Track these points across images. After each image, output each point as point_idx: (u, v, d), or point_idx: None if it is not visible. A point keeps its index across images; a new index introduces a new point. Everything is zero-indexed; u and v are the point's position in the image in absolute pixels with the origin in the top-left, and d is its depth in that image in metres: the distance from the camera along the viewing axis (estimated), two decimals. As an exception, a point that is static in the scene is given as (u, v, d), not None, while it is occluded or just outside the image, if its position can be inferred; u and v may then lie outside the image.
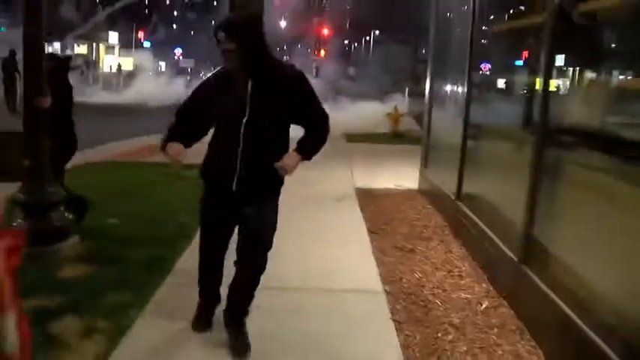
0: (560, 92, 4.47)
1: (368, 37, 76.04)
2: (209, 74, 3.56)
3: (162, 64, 68.79)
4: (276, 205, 3.50)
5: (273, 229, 3.51)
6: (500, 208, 5.22)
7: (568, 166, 4.14)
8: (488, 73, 6.92)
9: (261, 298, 3.73)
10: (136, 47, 73.53)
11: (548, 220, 4.14)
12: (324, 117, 3.39)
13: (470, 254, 5.57)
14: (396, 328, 3.96)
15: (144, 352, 3.50)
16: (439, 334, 3.93)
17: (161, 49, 73.91)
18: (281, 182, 3.45)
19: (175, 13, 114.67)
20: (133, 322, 3.82)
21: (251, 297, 3.59)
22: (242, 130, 3.20)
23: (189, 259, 4.83)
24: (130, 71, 53.30)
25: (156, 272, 4.66)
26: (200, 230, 3.63)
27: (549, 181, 4.17)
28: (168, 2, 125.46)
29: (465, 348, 3.77)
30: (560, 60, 4.34)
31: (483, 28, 6.49)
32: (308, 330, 3.83)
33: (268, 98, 3.18)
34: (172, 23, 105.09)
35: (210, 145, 3.47)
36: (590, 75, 4.76)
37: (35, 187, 5.02)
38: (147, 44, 79.24)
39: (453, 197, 6.51)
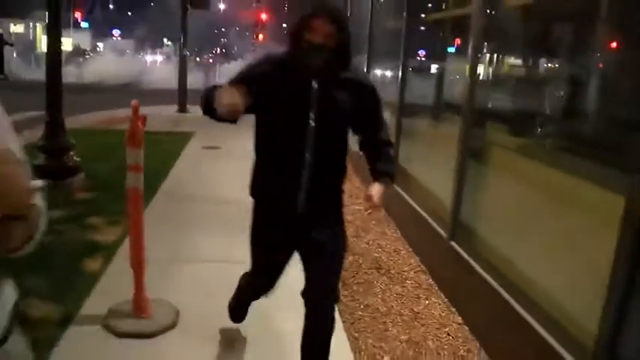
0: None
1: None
2: (259, 57, 2.77)
3: (101, 44, 68.94)
4: (344, 227, 2.85)
5: (344, 255, 2.87)
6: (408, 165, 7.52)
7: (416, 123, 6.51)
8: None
9: (228, 196, 5.90)
10: (73, 27, 72.75)
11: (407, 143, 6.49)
12: (387, 130, 2.82)
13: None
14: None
15: (123, 280, 5.50)
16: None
17: (99, 30, 74.04)
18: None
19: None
20: (125, 235, 5.84)
21: (329, 343, 2.83)
22: (310, 136, 2.54)
23: (166, 186, 7.08)
24: (69, 51, 53.52)
25: (145, 193, 6.72)
26: (252, 261, 2.97)
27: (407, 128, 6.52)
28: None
29: (352, 230, 6.00)
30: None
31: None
32: (246, 208, 6.02)
33: (337, 101, 2.56)
34: (109, 4, 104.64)
35: (259, 153, 2.75)
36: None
37: (52, 134, 6.99)
38: (85, 25, 78.73)
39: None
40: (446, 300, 4.31)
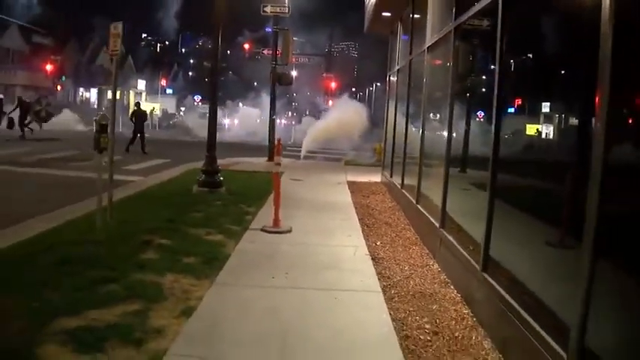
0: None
1: (371, 88, 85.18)
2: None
3: (182, 109, 76.64)
4: None
5: None
6: (405, 177, 12.35)
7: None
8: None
9: (311, 200, 11.00)
10: (156, 93, 79.81)
11: (412, 176, 11.34)
12: None
13: (394, 199, 12.73)
14: (355, 211, 11.05)
15: (264, 219, 10.40)
16: (370, 212, 11.07)
17: (182, 95, 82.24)
18: None
19: (192, 61, 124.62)
20: (259, 209, 10.84)
21: None
22: None
23: (271, 195, 12.08)
24: (160, 116, 60.42)
25: (261, 198, 11.79)
26: None
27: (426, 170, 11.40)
28: (184, 51, 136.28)
29: (380, 215, 10.84)
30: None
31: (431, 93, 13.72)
32: (321, 207, 11.01)
33: None
34: (189, 71, 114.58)
35: None
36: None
37: (210, 164, 12.24)
38: (169, 90, 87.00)
39: (390, 177, 13.77)
40: (414, 231, 9.16)
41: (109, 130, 8.15)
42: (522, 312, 4.29)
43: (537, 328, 3.94)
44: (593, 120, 3.40)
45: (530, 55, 5.70)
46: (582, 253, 3.38)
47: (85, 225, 8.04)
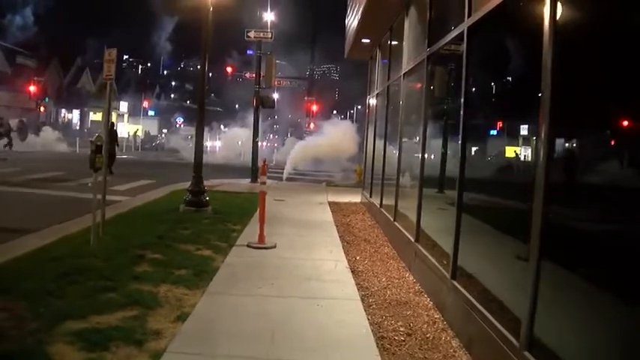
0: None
1: (352, 111, 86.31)
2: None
3: (165, 131, 76.71)
4: None
5: None
6: (383, 197, 12.90)
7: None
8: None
9: (294, 219, 11.51)
10: (139, 115, 79.66)
11: (390, 196, 11.89)
12: None
13: (373, 218, 13.26)
14: (336, 229, 11.57)
15: (250, 236, 10.92)
16: (350, 230, 11.59)
17: (164, 117, 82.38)
18: None
19: (173, 83, 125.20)
20: (244, 227, 11.32)
21: None
22: None
23: (255, 214, 12.53)
24: (142, 138, 60.69)
25: (246, 217, 12.26)
26: None
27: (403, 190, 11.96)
28: (165, 73, 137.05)
29: (360, 233, 11.38)
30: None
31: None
32: (303, 225, 11.52)
33: None
34: (171, 93, 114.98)
35: None
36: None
37: (196, 184, 12.69)
38: (151, 112, 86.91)
39: (369, 197, 14.32)
40: (391, 247, 9.68)
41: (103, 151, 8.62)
42: (484, 311, 4.83)
43: (496, 323, 4.48)
44: (538, 144, 3.97)
45: (510, 79, 6.16)
46: (530, 258, 3.95)
47: (79, 240, 8.47)
